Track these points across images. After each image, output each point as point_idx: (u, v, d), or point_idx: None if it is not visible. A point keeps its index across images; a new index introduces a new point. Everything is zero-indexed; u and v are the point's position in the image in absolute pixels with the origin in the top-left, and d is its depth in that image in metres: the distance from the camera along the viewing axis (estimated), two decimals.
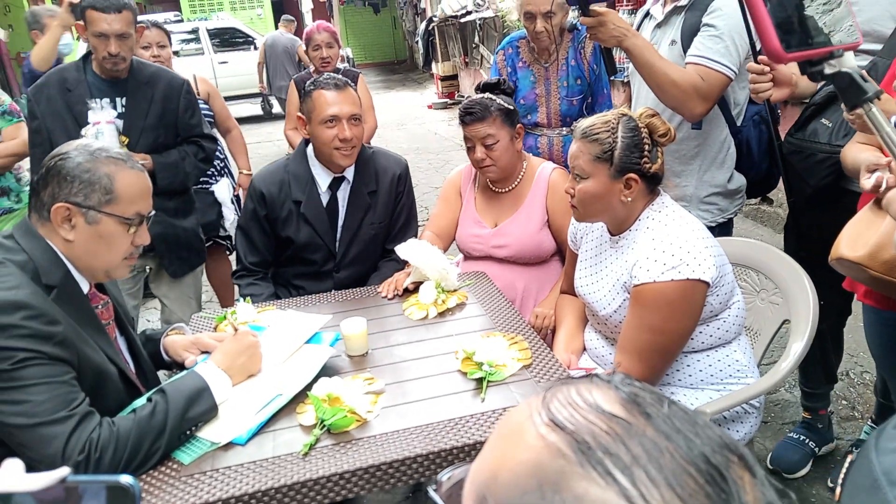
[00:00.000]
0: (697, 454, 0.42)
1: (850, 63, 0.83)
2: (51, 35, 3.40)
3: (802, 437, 2.27)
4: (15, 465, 0.63)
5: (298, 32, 8.20)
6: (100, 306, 1.49)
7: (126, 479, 0.57)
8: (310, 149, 2.21)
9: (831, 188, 1.88)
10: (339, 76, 2.17)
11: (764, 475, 0.43)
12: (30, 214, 1.38)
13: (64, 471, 0.58)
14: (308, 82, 2.18)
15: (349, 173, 2.21)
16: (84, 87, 2.41)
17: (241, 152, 3.46)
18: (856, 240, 1.51)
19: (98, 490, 0.58)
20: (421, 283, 2.04)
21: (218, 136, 3.39)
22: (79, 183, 1.33)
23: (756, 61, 1.88)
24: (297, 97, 3.66)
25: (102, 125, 2.34)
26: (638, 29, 2.17)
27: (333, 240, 2.22)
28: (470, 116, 2.14)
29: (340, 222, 2.22)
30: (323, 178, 2.19)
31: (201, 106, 3.16)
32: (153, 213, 1.47)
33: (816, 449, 2.27)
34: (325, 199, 2.20)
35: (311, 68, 3.70)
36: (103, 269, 1.42)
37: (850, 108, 0.79)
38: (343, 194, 2.22)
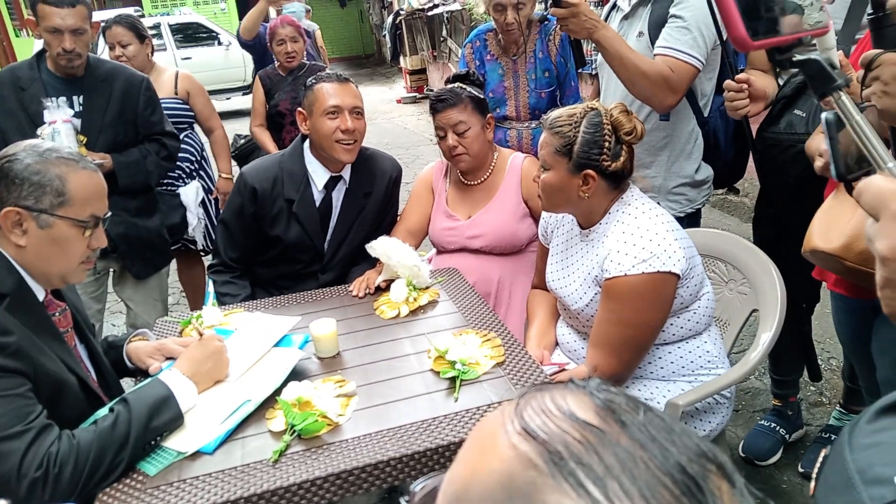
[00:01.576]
0: (673, 464, 0.40)
1: (830, 44, 0.82)
2: (257, 7, 3.89)
3: (773, 425, 2.30)
4: None
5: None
6: (57, 314, 1.43)
7: None
8: (306, 146, 2.16)
9: (814, 177, 1.89)
10: (339, 72, 2.13)
11: (744, 484, 0.42)
12: None
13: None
14: (309, 78, 2.13)
15: (346, 173, 2.16)
16: (39, 86, 2.33)
17: (223, 155, 3.25)
18: (828, 230, 1.51)
19: None
20: (392, 280, 2.02)
21: (197, 135, 3.26)
22: (28, 185, 1.27)
23: (723, 51, 1.88)
24: (261, 93, 3.58)
25: (59, 124, 2.26)
26: (605, 21, 2.17)
27: (323, 241, 2.17)
28: (442, 104, 2.13)
29: (332, 223, 2.17)
30: (319, 177, 2.13)
31: (180, 105, 3.05)
32: (109, 214, 1.42)
33: (787, 436, 2.30)
34: (318, 199, 2.14)
35: (276, 63, 3.63)
36: (59, 274, 1.37)
37: (819, 97, 0.78)
38: (338, 195, 2.17)
